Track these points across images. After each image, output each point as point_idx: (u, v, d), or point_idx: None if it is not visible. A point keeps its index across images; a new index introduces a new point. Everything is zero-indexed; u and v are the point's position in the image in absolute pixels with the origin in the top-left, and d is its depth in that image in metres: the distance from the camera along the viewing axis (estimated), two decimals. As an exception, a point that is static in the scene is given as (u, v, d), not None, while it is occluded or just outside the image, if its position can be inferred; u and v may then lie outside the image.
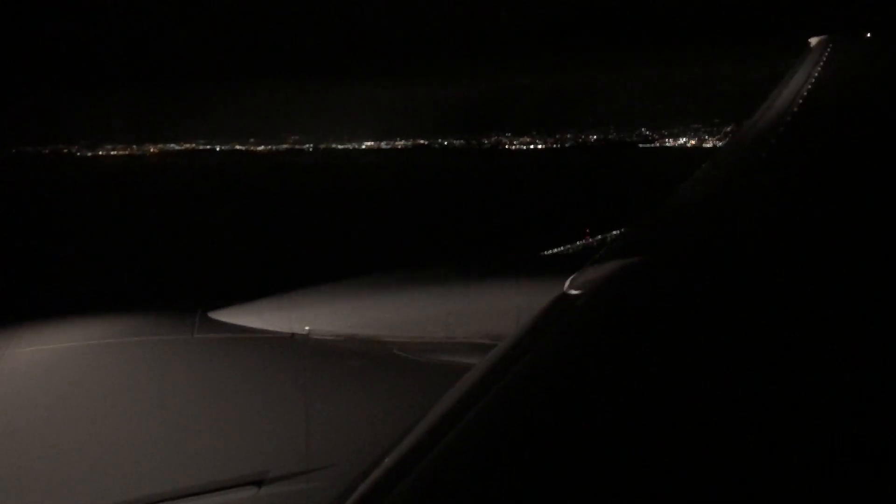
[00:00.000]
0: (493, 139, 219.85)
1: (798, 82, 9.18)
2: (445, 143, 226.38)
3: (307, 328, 4.74)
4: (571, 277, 4.01)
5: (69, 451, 4.02)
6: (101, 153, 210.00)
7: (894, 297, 2.98)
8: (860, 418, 2.13)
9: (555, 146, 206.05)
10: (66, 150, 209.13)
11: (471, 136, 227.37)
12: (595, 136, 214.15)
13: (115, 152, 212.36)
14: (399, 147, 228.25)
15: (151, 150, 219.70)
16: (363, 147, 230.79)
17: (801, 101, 8.30)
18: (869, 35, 11.04)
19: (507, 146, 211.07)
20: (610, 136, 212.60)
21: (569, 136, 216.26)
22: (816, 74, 9.31)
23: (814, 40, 10.95)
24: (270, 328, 4.73)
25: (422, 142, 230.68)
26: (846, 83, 9.23)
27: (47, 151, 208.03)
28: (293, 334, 4.71)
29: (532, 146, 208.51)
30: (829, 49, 10.40)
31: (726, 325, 2.96)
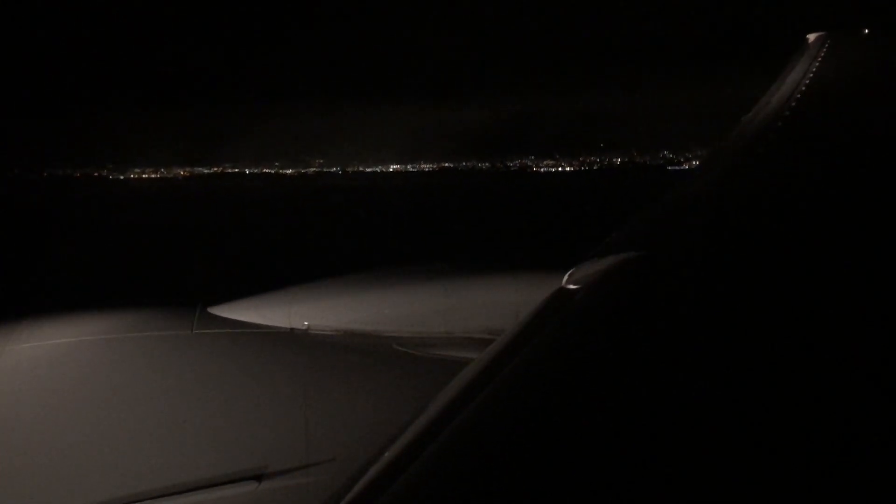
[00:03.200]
0: (518, 162, 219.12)
1: (796, 78, 9.15)
2: (471, 165, 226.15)
3: (306, 323, 4.78)
4: (570, 272, 3.93)
5: (68, 447, 4.00)
6: (131, 176, 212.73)
7: (895, 294, 2.96)
8: (860, 418, 2.11)
9: (582, 168, 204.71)
10: (96, 174, 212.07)
11: (496, 159, 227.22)
12: (620, 159, 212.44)
13: (145, 175, 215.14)
14: (426, 170, 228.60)
15: (181, 173, 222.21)
16: (390, 170, 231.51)
17: (798, 96, 8.29)
18: (867, 31, 11.05)
19: (533, 169, 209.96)
20: (637, 160, 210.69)
21: (593, 158, 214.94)
22: (814, 70, 9.30)
23: (811, 36, 10.95)
24: (270, 323, 4.76)
25: (447, 164, 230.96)
26: (844, 79, 9.20)
27: (78, 175, 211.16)
28: (292, 329, 4.76)
29: (558, 168, 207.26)
30: (826, 45, 10.36)
31: (725, 320, 2.94)
